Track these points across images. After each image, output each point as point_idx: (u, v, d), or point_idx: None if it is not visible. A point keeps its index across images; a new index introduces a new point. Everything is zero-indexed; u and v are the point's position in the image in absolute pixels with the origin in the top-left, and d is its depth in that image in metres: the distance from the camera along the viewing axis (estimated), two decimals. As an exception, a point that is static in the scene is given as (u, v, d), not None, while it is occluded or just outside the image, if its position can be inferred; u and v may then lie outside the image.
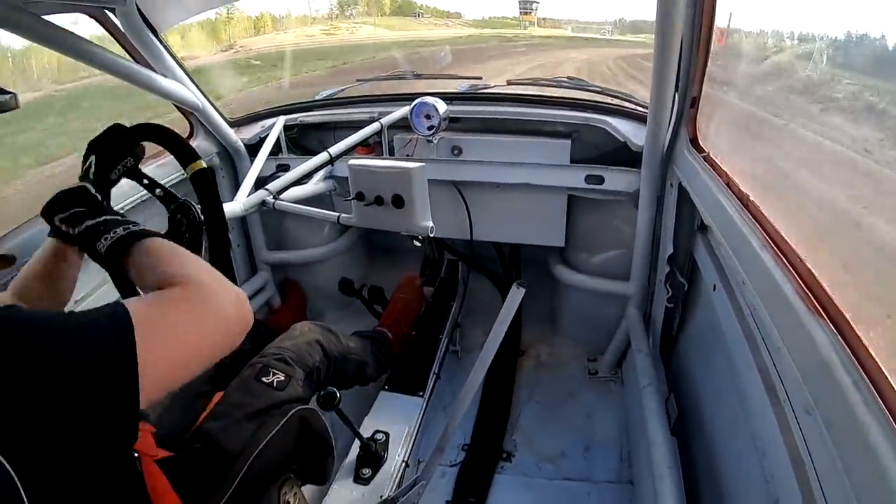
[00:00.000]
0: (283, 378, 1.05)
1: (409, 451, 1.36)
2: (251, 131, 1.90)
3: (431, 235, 1.36)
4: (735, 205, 0.95)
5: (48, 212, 0.70)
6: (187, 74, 1.53)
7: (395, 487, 1.24)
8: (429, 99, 1.69)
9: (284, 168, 1.76)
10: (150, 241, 0.64)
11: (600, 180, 1.55)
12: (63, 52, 1.13)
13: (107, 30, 1.32)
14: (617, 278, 1.70)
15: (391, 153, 1.84)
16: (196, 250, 0.79)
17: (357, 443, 1.27)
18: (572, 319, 1.98)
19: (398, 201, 1.28)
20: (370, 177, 1.31)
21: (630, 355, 1.66)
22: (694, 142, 1.24)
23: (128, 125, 0.80)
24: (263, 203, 1.37)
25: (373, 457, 1.28)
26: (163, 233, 0.70)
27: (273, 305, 2.16)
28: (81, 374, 0.42)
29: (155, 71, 1.41)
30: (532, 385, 1.82)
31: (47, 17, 1.07)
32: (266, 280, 2.10)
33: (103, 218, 0.67)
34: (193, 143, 1.75)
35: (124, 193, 1.34)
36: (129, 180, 0.82)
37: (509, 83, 2.05)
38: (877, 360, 0.54)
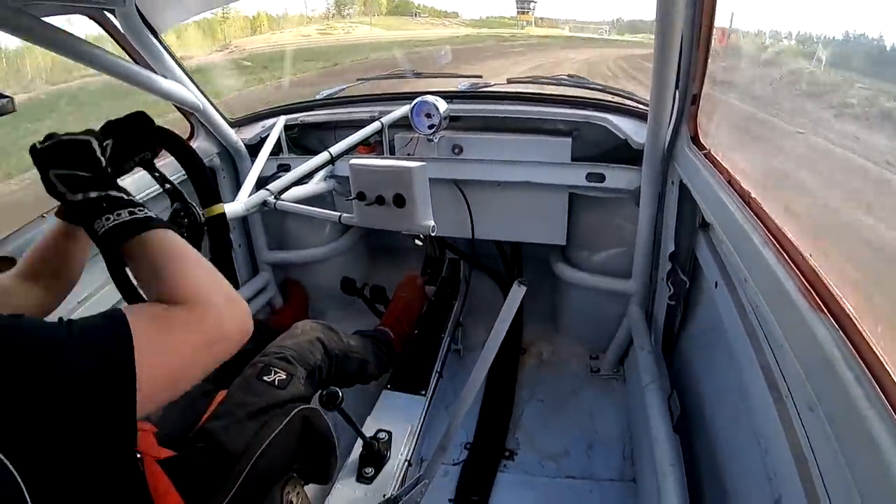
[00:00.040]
0: (284, 377, 1.05)
1: (411, 449, 1.36)
2: (252, 131, 1.90)
3: (433, 234, 1.36)
4: (736, 202, 0.95)
5: (42, 160, 0.59)
6: (187, 75, 1.53)
7: (397, 486, 1.24)
8: (429, 98, 1.68)
9: (285, 168, 1.76)
10: (156, 235, 0.57)
11: (601, 178, 1.54)
12: (63, 54, 1.13)
13: (106, 31, 1.32)
14: (618, 276, 1.69)
15: (392, 152, 1.84)
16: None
17: (360, 442, 1.27)
18: (574, 317, 1.98)
19: (399, 200, 1.28)
20: (371, 176, 1.31)
21: (632, 353, 1.66)
22: (695, 139, 1.24)
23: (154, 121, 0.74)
24: (265, 203, 1.37)
25: (375, 456, 1.28)
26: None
27: (275, 305, 2.17)
28: (82, 381, 0.43)
29: (155, 72, 1.41)
30: (534, 383, 1.82)
31: (46, 19, 1.07)
32: (268, 280, 2.11)
33: (107, 193, 0.59)
34: (194, 144, 1.75)
35: (123, 182, 1.34)
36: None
37: (510, 81, 2.05)
38: (879, 355, 0.54)
